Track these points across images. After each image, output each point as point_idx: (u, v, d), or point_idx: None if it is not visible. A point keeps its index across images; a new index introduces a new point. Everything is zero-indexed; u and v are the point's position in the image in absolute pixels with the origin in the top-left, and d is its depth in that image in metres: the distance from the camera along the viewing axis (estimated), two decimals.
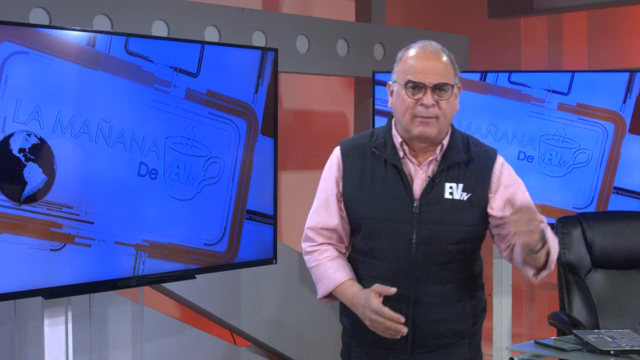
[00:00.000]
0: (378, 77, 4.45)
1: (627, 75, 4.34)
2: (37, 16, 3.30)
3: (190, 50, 3.26)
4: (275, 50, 3.54)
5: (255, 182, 3.48)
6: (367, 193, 2.39)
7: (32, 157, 2.83)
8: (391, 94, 2.41)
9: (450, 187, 2.35)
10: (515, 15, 5.54)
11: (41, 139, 2.85)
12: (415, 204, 2.33)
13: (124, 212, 3.07)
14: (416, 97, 2.31)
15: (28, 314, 3.27)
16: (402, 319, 2.27)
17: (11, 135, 2.78)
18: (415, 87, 2.32)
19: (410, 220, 2.33)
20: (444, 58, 2.36)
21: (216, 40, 3.93)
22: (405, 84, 2.33)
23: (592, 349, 2.97)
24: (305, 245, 2.55)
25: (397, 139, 2.39)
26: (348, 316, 2.50)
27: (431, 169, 2.37)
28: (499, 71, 4.40)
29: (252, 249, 3.50)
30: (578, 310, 3.64)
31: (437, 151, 2.37)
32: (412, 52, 2.38)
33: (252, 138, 3.46)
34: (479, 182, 2.36)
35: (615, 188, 4.34)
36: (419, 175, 2.37)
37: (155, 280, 3.25)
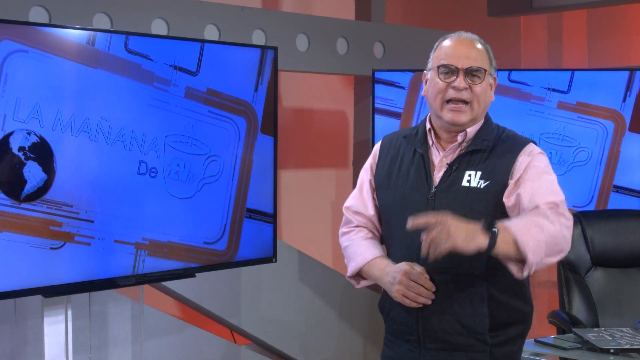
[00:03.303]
0: (378, 75, 4.44)
1: (627, 73, 4.33)
2: (37, 14, 3.30)
3: (190, 49, 3.25)
4: (275, 49, 3.54)
5: (255, 180, 3.48)
6: (393, 181, 2.40)
7: (32, 155, 2.83)
8: (426, 83, 2.41)
9: (469, 175, 2.30)
10: (515, 14, 5.53)
11: (41, 138, 2.85)
12: (432, 191, 2.31)
13: (124, 211, 3.07)
14: (448, 80, 2.31)
15: (28, 312, 3.27)
16: (432, 287, 2.23)
17: (11, 133, 2.78)
18: (448, 70, 2.32)
19: (425, 208, 2.28)
20: (479, 46, 2.37)
21: (216, 38, 3.93)
22: (438, 68, 2.33)
23: (592, 348, 2.97)
24: (342, 228, 2.54)
25: (427, 127, 2.39)
26: (384, 303, 2.44)
27: (453, 156, 2.34)
28: (499, 69, 4.32)
29: (252, 248, 3.50)
30: (578, 308, 3.64)
31: (459, 138, 2.34)
32: (447, 40, 2.39)
33: (251, 136, 3.46)
34: (499, 170, 2.30)
35: (615, 186, 4.34)
36: (442, 163, 2.34)
37: (155, 278, 3.25)
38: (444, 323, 2.29)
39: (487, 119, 2.43)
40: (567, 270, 3.73)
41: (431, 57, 2.40)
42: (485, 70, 2.36)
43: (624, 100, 4.33)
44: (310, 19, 4.45)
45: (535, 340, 3.15)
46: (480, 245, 2.12)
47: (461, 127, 2.34)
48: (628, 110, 4.33)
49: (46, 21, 3.31)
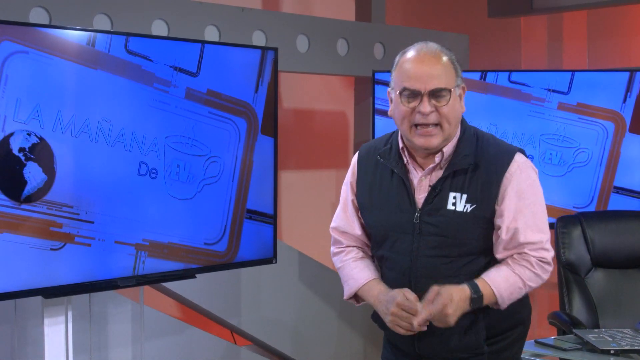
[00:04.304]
0: (378, 76, 4.44)
1: (627, 74, 4.34)
2: (37, 15, 3.30)
3: (190, 50, 3.25)
4: (275, 50, 3.54)
5: (255, 181, 3.48)
6: (376, 202, 2.33)
7: (32, 156, 2.83)
8: (391, 101, 2.30)
9: (454, 197, 2.22)
10: (515, 15, 5.53)
11: (41, 139, 2.85)
12: (416, 214, 2.25)
13: (124, 212, 3.07)
14: (412, 105, 2.19)
15: (28, 313, 3.27)
16: (419, 315, 2.21)
17: (11, 134, 2.78)
18: (411, 94, 2.20)
19: (412, 232, 2.25)
20: (443, 59, 2.22)
21: (216, 39, 3.93)
22: (401, 92, 2.22)
23: (592, 349, 2.97)
24: (332, 248, 2.51)
25: (400, 145, 2.30)
26: (377, 316, 2.44)
27: (435, 177, 2.26)
28: (499, 70, 4.40)
29: (252, 249, 3.50)
30: (578, 309, 3.64)
31: (437, 159, 2.25)
32: (407, 55, 2.26)
33: (252, 137, 3.46)
34: (486, 192, 2.22)
35: (616, 187, 4.34)
36: (423, 184, 2.26)
37: (155, 279, 3.25)
38: (442, 341, 2.29)
39: (464, 129, 2.30)
40: (568, 271, 3.73)
41: (392, 75, 2.27)
42: (450, 90, 2.21)
43: (624, 101, 4.33)
44: (310, 19, 4.45)
45: (536, 341, 3.14)
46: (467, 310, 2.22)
47: (434, 150, 2.25)
48: (628, 111, 4.33)
49: (46, 22, 3.31)
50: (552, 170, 4.35)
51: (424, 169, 2.28)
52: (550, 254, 2.28)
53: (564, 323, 3.47)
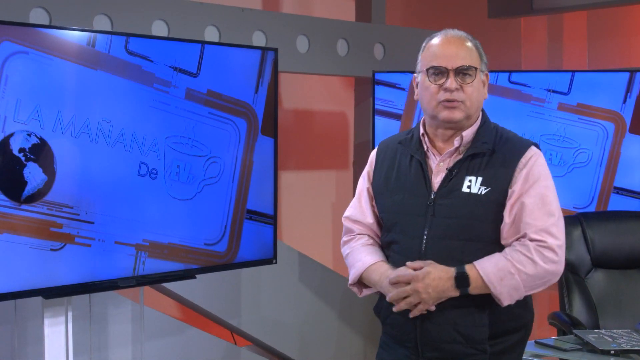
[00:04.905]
0: (378, 77, 4.45)
1: (627, 75, 4.34)
2: (37, 16, 3.30)
3: (191, 50, 3.26)
4: (276, 50, 3.54)
5: (255, 181, 3.48)
6: (392, 187, 2.37)
7: (32, 156, 2.83)
8: (416, 86, 2.37)
9: (470, 181, 2.26)
10: (515, 15, 5.53)
11: (41, 139, 2.85)
12: (432, 197, 2.28)
13: (124, 212, 3.07)
14: (439, 82, 2.27)
15: (28, 313, 3.27)
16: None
17: (11, 135, 2.78)
18: (438, 72, 2.27)
19: (425, 214, 2.27)
20: (468, 43, 2.31)
21: (216, 40, 3.93)
22: (428, 70, 2.29)
23: (592, 349, 2.97)
24: (343, 237, 2.53)
25: (420, 131, 2.36)
26: (379, 308, 2.44)
27: (452, 161, 2.30)
28: (499, 71, 4.40)
29: (252, 249, 3.50)
30: (578, 310, 3.64)
31: (456, 142, 2.30)
32: (435, 39, 2.34)
33: (252, 138, 3.46)
34: (500, 176, 2.26)
35: (616, 188, 4.34)
36: (440, 168, 2.31)
37: (155, 280, 3.25)
38: (443, 332, 2.26)
39: (485, 119, 2.39)
40: (568, 271, 3.73)
41: (419, 58, 2.36)
42: (476, 68, 2.29)
43: (624, 101, 4.33)
44: (310, 20, 4.45)
45: (536, 342, 3.14)
46: (453, 296, 2.22)
47: (456, 125, 2.30)
48: (628, 111, 4.33)
49: (46, 22, 3.31)
50: (552, 170, 4.28)
51: (440, 154, 2.33)
52: (555, 241, 2.23)
53: (564, 323, 3.47)
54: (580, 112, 4.35)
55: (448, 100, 2.27)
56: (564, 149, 4.35)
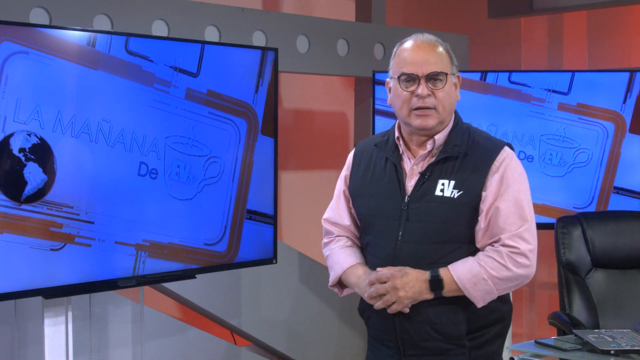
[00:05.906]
0: (378, 76, 4.45)
1: (627, 75, 4.34)
2: (37, 16, 3.30)
3: (191, 50, 3.26)
4: (276, 50, 3.54)
5: (255, 181, 3.48)
6: (367, 190, 2.40)
7: (32, 156, 2.83)
8: (389, 91, 2.40)
9: (442, 184, 2.28)
10: (515, 15, 5.53)
11: (41, 139, 2.85)
12: (405, 200, 2.31)
13: (124, 212, 3.07)
14: (410, 89, 2.29)
15: (28, 313, 3.27)
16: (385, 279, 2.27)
17: (11, 135, 2.78)
18: (409, 79, 2.29)
19: (399, 218, 2.30)
20: (439, 49, 2.33)
21: (216, 40, 3.93)
22: (399, 77, 2.31)
23: (593, 349, 2.97)
24: (324, 239, 2.57)
25: (395, 135, 2.39)
26: (363, 308, 2.48)
27: (426, 164, 2.33)
28: (499, 71, 4.40)
29: (252, 249, 3.50)
30: (578, 310, 3.64)
31: (429, 146, 2.32)
32: (405, 45, 2.35)
33: (252, 138, 3.46)
34: (473, 179, 2.28)
35: (616, 188, 4.34)
36: (414, 171, 2.34)
37: (155, 280, 3.25)
38: (421, 331, 2.30)
39: (457, 121, 2.39)
40: (568, 271, 3.73)
41: (391, 64, 2.38)
42: (447, 74, 2.31)
43: (624, 101, 4.33)
44: (310, 20, 4.45)
45: (536, 342, 3.14)
46: (427, 298, 2.26)
47: (430, 132, 2.32)
48: (628, 111, 4.33)
49: (46, 22, 3.31)
50: (552, 170, 4.35)
51: (414, 157, 2.35)
52: (527, 246, 2.26)
53: (564, 323, 3.47)
54: (581, 112, 4.35)
55: (420, 108, 2.29)
56: (564, 149, 4.35)
